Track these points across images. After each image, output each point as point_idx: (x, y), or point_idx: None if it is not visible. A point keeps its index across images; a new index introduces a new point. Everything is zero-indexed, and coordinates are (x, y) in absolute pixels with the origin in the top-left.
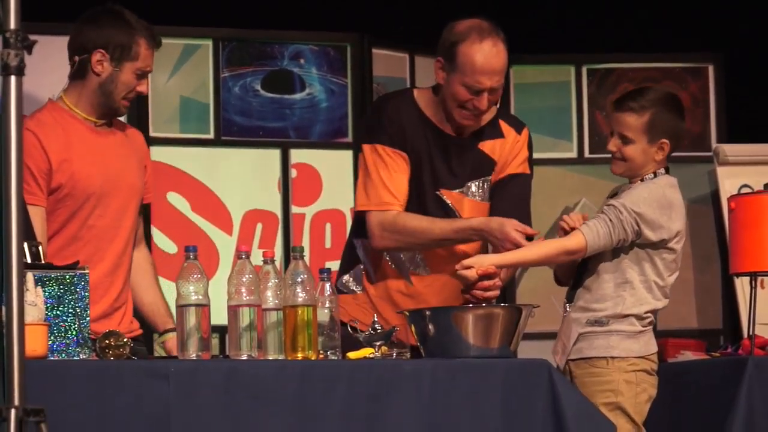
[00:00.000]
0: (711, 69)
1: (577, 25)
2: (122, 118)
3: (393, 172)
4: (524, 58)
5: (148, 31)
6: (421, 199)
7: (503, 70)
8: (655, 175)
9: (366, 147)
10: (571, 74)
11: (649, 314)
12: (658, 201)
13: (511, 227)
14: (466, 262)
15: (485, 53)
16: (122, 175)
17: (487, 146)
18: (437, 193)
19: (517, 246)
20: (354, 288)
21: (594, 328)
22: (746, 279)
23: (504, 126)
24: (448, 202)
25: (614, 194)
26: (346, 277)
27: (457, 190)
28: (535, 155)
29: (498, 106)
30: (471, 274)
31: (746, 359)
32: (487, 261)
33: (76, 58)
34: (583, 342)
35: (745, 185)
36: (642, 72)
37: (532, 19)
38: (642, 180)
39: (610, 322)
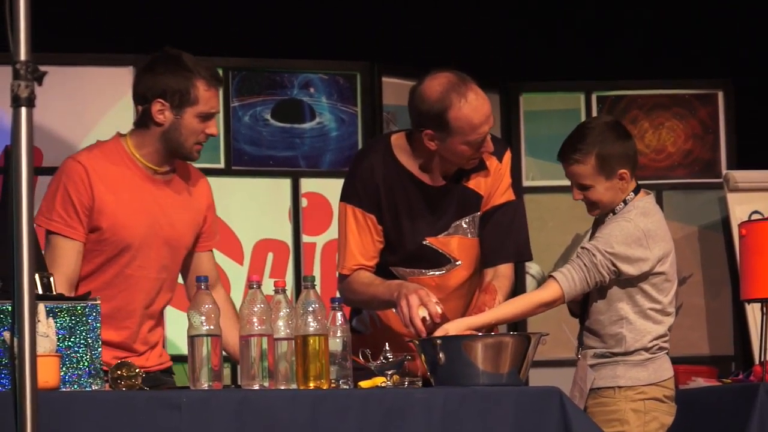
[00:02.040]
0: (721, 95)
1: (587, 52)
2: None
3: (357, 234)
4: (533, 86)
5: (207, 71)
6: (406, 251)
7: (491, 109)
8: (625, 203)
9: (340, 205)
10: (580, 101)
11: (655, 342)
12: (631, 236)
13: (414, 306)
14: (444, 327)
15: (475, 107)
16: (167, 229)
17: (471, 182)
18: (424, 243)
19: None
20: (364, 329)
21: (600, 360)
22: (757, 305)
23: (486, 156)
24: (436, 248)
25: (597, 224)
26: (356, 319)
27: (443, 234)
28: (546, 183)
29: None
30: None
31: (758, 386)
32: (464, 324)
33: (139, 108)
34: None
35: (756, 211)
36: (651, 98)
37: (541, 47)
38: (614, 212)
39: (616, 357)
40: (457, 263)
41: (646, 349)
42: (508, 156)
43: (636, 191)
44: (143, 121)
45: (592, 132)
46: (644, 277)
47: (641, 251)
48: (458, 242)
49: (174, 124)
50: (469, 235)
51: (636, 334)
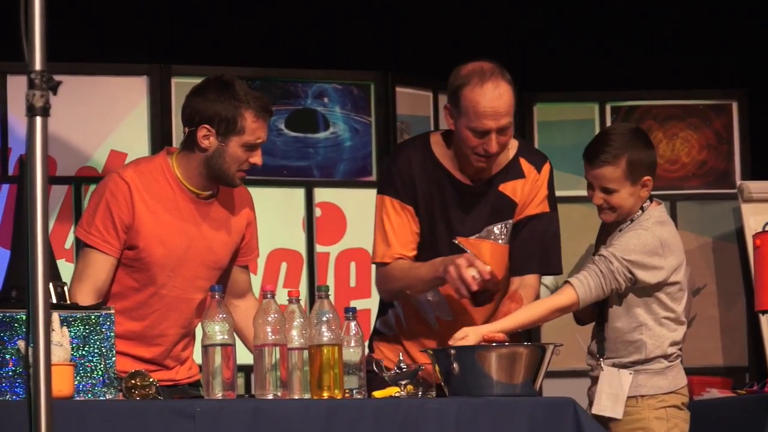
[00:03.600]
0: (735, 106)
1: (601, 62)
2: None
3: (397, 225)
4: (548, 96)
5: (257, 102)
6: (437, 249)
7: (509, 111)
8: (642, 210)
9: (377, 197)
10: (594, 112)
11: (673, 348)
12: (648, 245)
13: (463, 266)
14: (460, 333)
15: (487, 96)
16: (205, 251)
17: (508, 188)
18: (454, 241)
19: (466, 284)
20: (388, 331)
21: (621, 370)
22: None
23: (524, 164)
24: (467, 249)
25: (606, 231)
26: (381, 320)
27: (475, 236)
28: (560, 193)
29: (519, 142)
30: (470, 342)
31: None
32: (483, 331)
33: (186, 129)
34: None
35: None
36: (665, 109)
37: (555, 57)
38: (631, 220)
39: (635, 365)
40: (487, 268)
41: (666, 356)
42: (547, 168)
43: (650, 200)
44: (188, 144)
45: (622, 136)
46: (660, 286)
47: (658, 260)
48: (489, 247)
49: (218, 151)
50: (501, 242)
51: (656, 339)
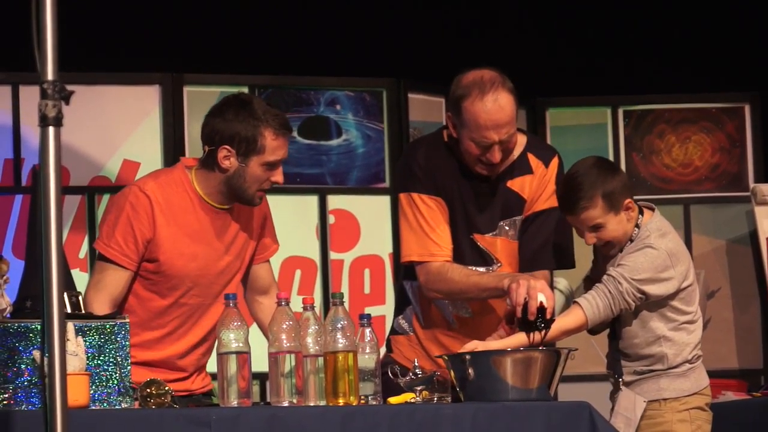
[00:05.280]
0: (747, 108)
1: (613, 66)
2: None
3: (433, 220)
4: (560, 101)
5: (276, 120)
6: (456, 243)
7: (510, 122)
8: (639, 227)
9: (402, 196)
10: (607, 116)
11: (695, 351)
12: (658, 261)
13: (535, 291)
14: (470, 345)
15: (488, 109)
16: (225, 260)
17: (516, 184)
18: (471, 237)
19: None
20: (407, 329)
21: (640, 376)
22: None
23: (532, 160)
24: (482, 246)
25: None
26: (399, 319)
27: (491, 234)
28: None
29: (528, 137)
30: None
31: None
32: (491, 347)
33: (206, 148)
34: (634, 389)
35: None
36: (678, 113)
37: (567, 62)
38: (631, 240)
39: (657, 371)
40: (499, 265)
41: (688, 361)
42: (555, 162)
43: (641, 212)
44: (208, 162)
45: (587, 176)
46: (673, 295)
47: (668, 273)
48: (501, 243)
49: (238, 171)
50: (510, 238)
51: (677, 349)
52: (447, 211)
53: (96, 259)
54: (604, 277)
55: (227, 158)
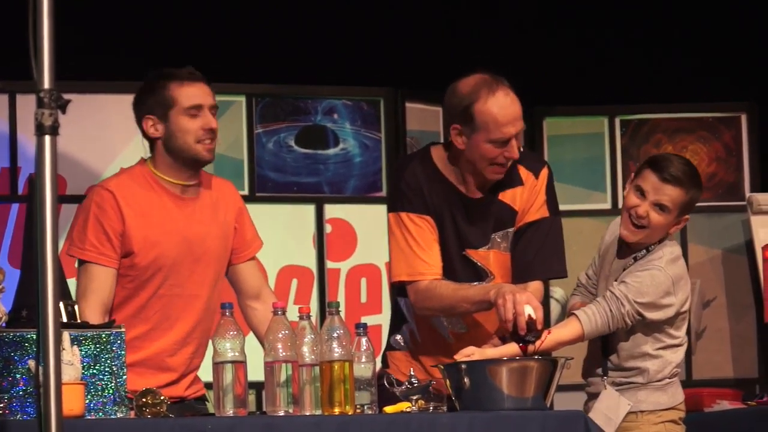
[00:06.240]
0: (744, 118)
1: (610, 76)
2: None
3: (422, 239)
4: (557, 110)
5: (179, 71)
6: (448, 261)
7: (521, 115)
8: (660, 242)
9: (391, 216)
10: (604, 125)
11: (675, 370)
12: (662, 286)
13: (521, 301)
14: (467, 350)
15: (502, 104)
16: (200, 244)
17: (507, 196)
18: (463, 254)
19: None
20: (403, 345)
21: (620, 387)
22: None
23: (522, 171)
24: (476, 261)
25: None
26: (396, 336)
27: (483, 248)
28: (569, 207)
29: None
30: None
31: None
32: (488, 354)
33: (142, 133)
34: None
35: None
36: (675, 122)
37: (564, 71)
38: (647, 249)
39: (637, 384)
40: (492, 278)
41: (668, 377)
42: (545, 173)
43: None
44: (151, 144)
45: (693, 171)
46: (669, 321)
47: (669, 299)
48: (494, 256)
49: (168, 132)
50: (503, 250)
51: (659, 365)
52: (436, 229)
53: (76, 266)
54: (608, 293)
55: (153, 126)
